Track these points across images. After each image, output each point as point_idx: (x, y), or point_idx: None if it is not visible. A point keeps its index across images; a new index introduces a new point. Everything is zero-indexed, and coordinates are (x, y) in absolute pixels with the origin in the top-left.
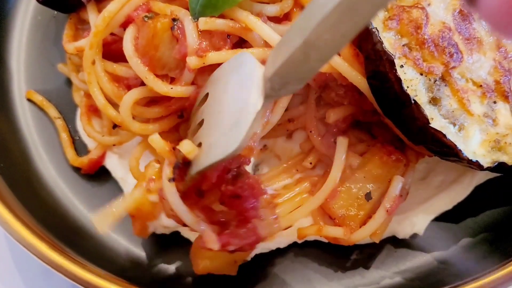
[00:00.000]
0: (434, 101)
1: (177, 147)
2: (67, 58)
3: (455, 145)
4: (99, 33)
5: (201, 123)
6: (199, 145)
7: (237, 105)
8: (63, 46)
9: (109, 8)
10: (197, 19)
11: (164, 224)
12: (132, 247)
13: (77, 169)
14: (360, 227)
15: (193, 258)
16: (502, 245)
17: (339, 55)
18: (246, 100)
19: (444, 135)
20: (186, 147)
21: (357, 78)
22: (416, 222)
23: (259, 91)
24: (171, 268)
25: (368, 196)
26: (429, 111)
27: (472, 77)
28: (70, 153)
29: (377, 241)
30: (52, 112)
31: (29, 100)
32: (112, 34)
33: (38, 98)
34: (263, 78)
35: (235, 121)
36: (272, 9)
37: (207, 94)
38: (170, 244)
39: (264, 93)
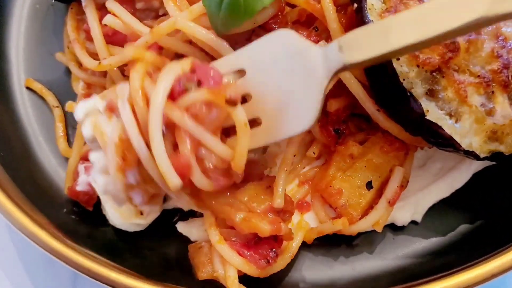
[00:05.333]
0: (431, 92)
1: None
2: (65, 47)
3: (451, 137)
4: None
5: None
6: (253, 121)
7: (302, 82)
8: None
9: None
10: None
11: None
12: (133, 236)
13: None
14: (362, 215)
15: (194, 263)
16: (500, 232)
17: None
18: (312, 77)
19: (440, 127)
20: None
21: (350, 82)
22: (415, 209)
23: (324, 67)
24: (171, 256)
25: (369, 185)
26: (425, 103)
27: (470, 67)
28: (62, 144)
29: (379, 231)
30: (51, 100)
31: (28, 88)
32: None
33: (37, 86)
34: (325, 54)
35: (302, 97)
36: None
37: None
38: (169, 235)
39: (329, 70)
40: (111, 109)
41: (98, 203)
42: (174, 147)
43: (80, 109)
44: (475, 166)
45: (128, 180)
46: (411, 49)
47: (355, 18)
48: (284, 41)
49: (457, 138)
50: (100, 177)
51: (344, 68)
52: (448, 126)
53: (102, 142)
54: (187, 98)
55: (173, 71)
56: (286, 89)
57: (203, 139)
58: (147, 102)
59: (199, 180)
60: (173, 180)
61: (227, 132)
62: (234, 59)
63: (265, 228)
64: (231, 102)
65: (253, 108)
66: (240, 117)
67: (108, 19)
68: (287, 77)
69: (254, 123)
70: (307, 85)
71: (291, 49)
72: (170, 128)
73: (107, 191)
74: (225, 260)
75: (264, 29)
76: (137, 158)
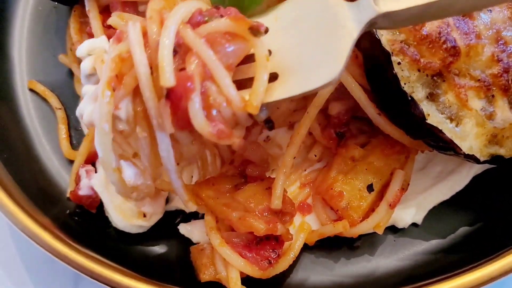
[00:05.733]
0: (432, 96)
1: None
2: (68, 49)
3: (452, 140)
4: None
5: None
6: (275, 75)
7: (329, 36)
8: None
9: None
10: None
11: None
12: (135, 238)
13: None
14: (363, 218)
15: (196, 265)
16: (500, 235)
17: None
18: (341, 29)
19: (440, 131)
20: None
21: (351, 86)
22: (415, 211)
23: (355, 20)
24: (173, 258)
25: (370, 188)
26: (426, 107)
27: (470, 71)
28: (65, 146)
29: (380, 233)
30: (54, 102)
31: (31, 90)
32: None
33: (40, 88)
34: (357, 7)
35: (328, 51)
36: None
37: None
38: (171, 236)
39: (361, 22)
40: (119, 39)
41: (101, 205)
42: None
43: (85, 45)
44: (475, 169)
45: (119, 112)
46: (448, 9)
47: None
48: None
49: (457, 141)
50: (88, 106)
51: (377, 18)
52: (449, 130)
53: (100, 70)
54: (207, 26)
55: (196, 2)
56: (310, 44)
57: (214, 69)
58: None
59: (196, 112)
60: (168, 78)
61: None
62: (256, 18)
63: (260, 227)
64: (255, 31)
65: (271, 64)
66: (262, 48)
67: (112, 20)
68: (312, 32)
69: (271, 79)
70: (334, 38)
71: (318, 5)
72: (181, 56)
73: (91, 121)
74: (227, 262)
75: None
76: (133, 86)
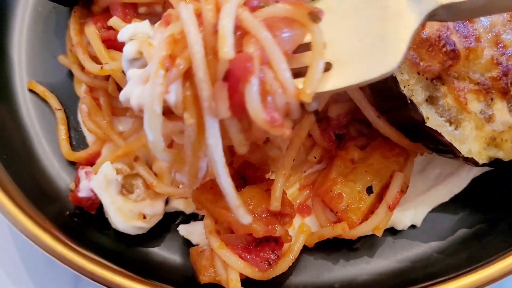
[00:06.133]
0: (431, 99)
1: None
2: (68, 50)
3: (451, 143)
4: None
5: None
6: (327, 66)
7: (386, 26)
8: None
9: None
10: None
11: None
12: (134, 239)
13: None
14: (362, 220)
15: (196, 267)
16: (499, 237)
17: None
18: (400, 20)
19: (440, 134)
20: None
21: (351, 88)
22: (414, 213)
23: (415, 11)
24: (172, 259)
25: (369, 190)
26: (425, 110)
27: (470, 75)
28: (65, 147)
29: (379, 235)
30: (54, 103)
31: (30, 91)
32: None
33: (40, 89)
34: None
35: (387, 40)
36: None
37: None
38: (171, 237)
39: (421, 12)
40: (168, 21)
41: (101, 206)
42: None
43: (127, 30)
44: (474, 172)
45: (168, 96)
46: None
47: None
48: None
49: (456, 144)
50: (136, 89)
51: (438, 9)
52: (448, 133)
53: (149, 53)
54: (264, 11)
55: None
56: (365, 35)
57: (272, 53)
58: (217, 9)
59: (253, 96)
60: (227, 52)
61: None
62: None
63: (258, 228)
64: (315, 16)
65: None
66: (320, 34)
67: (114, 21)
68: (367, 23)
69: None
70: (392, 29)
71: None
72: (238, 40)
73: (140, 104)
74: (227, 264)
75: None
76: (186, 67)
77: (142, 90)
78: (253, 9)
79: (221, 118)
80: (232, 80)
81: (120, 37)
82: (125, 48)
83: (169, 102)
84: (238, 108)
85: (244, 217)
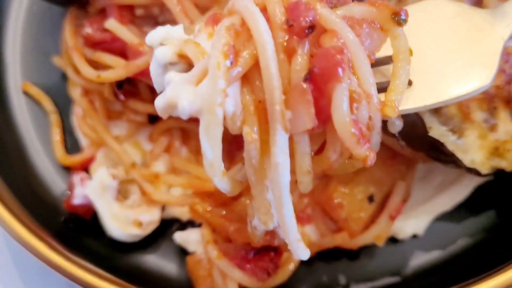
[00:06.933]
0: (434, 109)
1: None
2: (63, 52)
3: (453, 154)
4: None
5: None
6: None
7: (470, 41)
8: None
9: None
10: None
11: None
12: (130, 247)
13: None
14: (363, 229)
15: (193, 277)
16: (502, 247)
17: None
18: (488, 33)
19: (442, 144)
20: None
21: None
22: (416, 222)
23: (501, 24)
24: (169, 268)
25: (370, 199)
26: (428, 119)
27: None
28: (59, 151)
29: (380, 245)
30: (48, 105)
31: (25, 92)
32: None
33: (34, 90)
34: (501, 11)
35: (475, 55)
36: None
37: None
38: (167, 245)
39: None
40: (216, 19)
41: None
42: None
43: (158, 34)
44: (476, 180)
45: (227, 103)
46: None
47: None
48: (440, 6)
49: (459, 155)
50: (184, 93)
51: None
52: (451, 142)
53: (195, 52)
54: (344, 9)
55: None
56: (447, 49)
57: (358, 54)
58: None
59: (343, 101)
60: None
61: None
62: None
63: (257, 237)
64: (398, 19)
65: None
66: (405, 39)
67: (110, 24)
68: (448, 37)
69: None
70: (479, 43)
71: (450, 12)
72: (314, 38)
73: (195, 107)
74: (225, 274)
75: None
76: (250, 64)
77: (195, 91)
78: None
79: (302, 130)
80: (319, 79)
81: (149, 40)
82: (158, 51)
83: (225, 110)
84: (322, 117)
85: (304, 252)
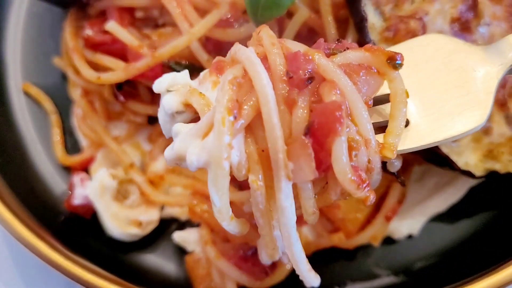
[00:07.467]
0: None
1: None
2: (63, 53)
3: (448, 156)
4: None
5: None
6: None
7: (464, 79)
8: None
9: None
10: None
11: None
12: (129, 246)
13: None
14: (359, 229)
15: (192, 276)
16: (495, 247)
17: None
18: (481, 72)
19: (437, 146)
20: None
21: None
22: (411, 223)
23: (495, 63)
24: (167, 267)
25: None
26: None
27: None
28: (60, 151)
29: (376, 245)
30: (48, 106)
31: (25, 93)
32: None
33: (35, 91)
34: (495, 50)
35: (469, 94)
36: None
37: None
38: (166, 244)
39: (504, 64)
40: (220, 68)
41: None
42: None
43: (164, 81)
44: (471, 181)
45: (232, 154)
46: None
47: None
48: (436, 42)
49: (453, 158)
50: (192, 146)
51: None
52: (446, 145)
53: (200, 103)
54: (340, 57)
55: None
56: (441, 88)
57: (355, 102)
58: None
59: (342, 152)
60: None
61: None
62: None
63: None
64: (394, 62)
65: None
66: (401, 82)
67: (111, 26)
68: (441, 76)
69: None
70: (473, 82)
71: (445, 49)
72: (313, 88)
73: (202, 163)
74: (223, 273)
75: None
76: (252, 116)
77: (202, 144)
78: (327, 56)
79: (304, 180)
80: (319, 134)
81: (157, 88)
82: (165, 100)
83: (231, 161)
84: (323, 167)
85: (315, 280)
